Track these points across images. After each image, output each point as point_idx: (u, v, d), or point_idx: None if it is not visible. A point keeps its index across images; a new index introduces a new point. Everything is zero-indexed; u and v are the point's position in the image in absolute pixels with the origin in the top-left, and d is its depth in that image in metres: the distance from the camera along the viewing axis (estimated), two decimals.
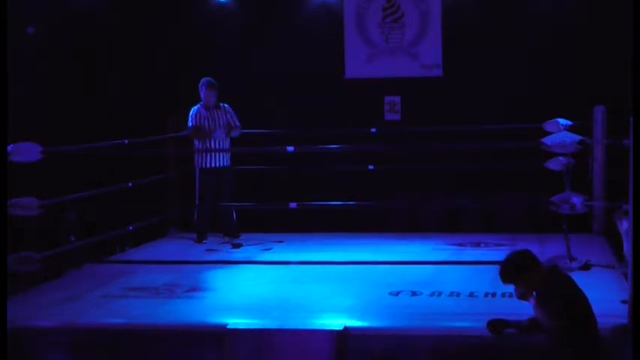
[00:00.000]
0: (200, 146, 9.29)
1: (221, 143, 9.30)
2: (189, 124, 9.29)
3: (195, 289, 7.04)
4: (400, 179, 9.70)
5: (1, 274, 5.64)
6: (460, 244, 8.84)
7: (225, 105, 9.35)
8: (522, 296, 5.23)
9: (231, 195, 9.37)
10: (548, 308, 5.06)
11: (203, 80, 9.28)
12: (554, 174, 7.64)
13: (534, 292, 5.16)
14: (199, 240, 9.30)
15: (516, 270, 5.14)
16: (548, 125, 8.43)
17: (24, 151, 6.83)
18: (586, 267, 7.26)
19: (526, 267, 5.14)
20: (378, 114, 10.18)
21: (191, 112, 9.30)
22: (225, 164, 9.33)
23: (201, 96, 9.29)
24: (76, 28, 9.75)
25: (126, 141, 8.24)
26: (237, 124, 9.35)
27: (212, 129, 9.22)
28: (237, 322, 5.89)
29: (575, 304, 5.09)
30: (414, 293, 6.69)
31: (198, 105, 9.33)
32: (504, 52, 9.87)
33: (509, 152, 8.73)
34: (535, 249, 8.24)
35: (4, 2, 6.12)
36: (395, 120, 10.19)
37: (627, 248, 5.99)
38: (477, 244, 8.80)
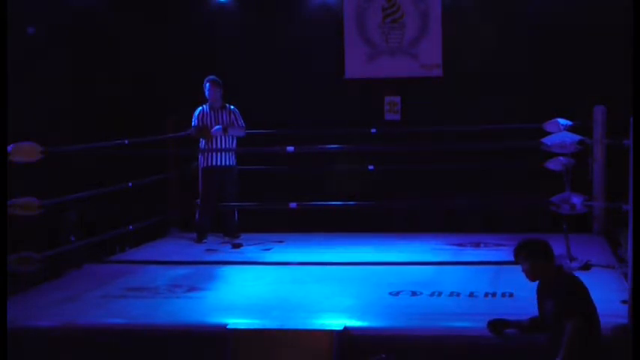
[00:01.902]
0: (204, 146, 9.29)
1: (225, 142, 9.29)
2: (193, 124, 9.30)
3: (195, 289, 7.04)
4: (400, 179, 9.70)
5: (1, 274, 5.64)
6: (460, 244, 8.84)
7: (231, 106, 9.35)
8: (528, 275, 5.26)
9: (237, 194, 9.36)
10: (560, 304, 5.07)
11: (207, 78, 9.29)
12: (554, 174, 7.64)
13: (538, 281, 5.25)
14: (199, 240, 9.30)
15: (536, 254, 5.22)
16: (548, 125, 8.44)
17: (24, 151, 6.83)
18: (586, 267, 7.26)
19: (545, 256, 5.22)
20: (378, 114, 10.18)
21: (195, 113, 9.31)
22: (227, 163, 9.32)
23: (206, 94, 9.28)
24: (76, 28, 9.74)
25: (126, 141, 8.24)
26: (242, 124, 9.34)
27: (213, 128, 9.22)
28: (237, 322, 5.89)
29: (588, 303, 5.13)
30: (414, 293, 6.69)
31: (203, 105, 9.33)
32: (504, 53, 9.87)
33: (509, 152, 8.73)
34: None
35: (4, 2, 6.12)
36: (395, 120, 10.18)
37: None
38: (477, 244, 8.80)
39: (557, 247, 7.40)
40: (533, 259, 5.22)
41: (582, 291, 5.16)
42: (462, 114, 9.77)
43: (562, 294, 5.10)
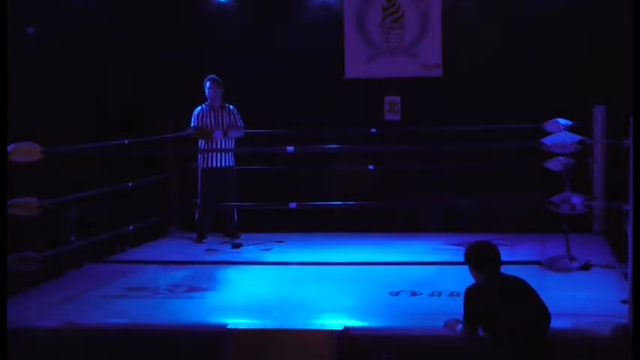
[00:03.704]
0: (203, 146, 9.29)
1: (225, 143, 9.28)
2: (192, 124, 9.29)
3: (195, 289, 7.04)
4: (400, 179, 9.69)
5: (1, 274, 5.64)
6: (460, 244, 8.82)
7: (231, 106, 9.35)
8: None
9: (237, 195, 9.36)
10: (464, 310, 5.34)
11: (208, 77, 9.29)
12: (554, 174, 7.64)
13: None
14: (199, 240, 9.31)
15: (467, 259, 5.50)
16: (548, 125, 8.43)
17: (24, 151, 6.83)
18: (586, 267, 7.26)
19: (470, 262, 5.47)
20: (378, 114, 10.18)
21: (194, 112, 9.30)
22: (227, 164, 9.32)
23: (206, 93, 9.27)
24: (76, 28, 9.74)
25: (126, 141, 8.23)
26: (240, 124, 9.34)
27: (214, 129, 9.21)
28: (237, 322, 5.89)
29: (482, 313, 5.23)
30: (414, 293, 6.69)
31: (202, 105, 9.32)
32: (504, 52, 9.87)
33: (509, 152, 8.73)
34: (536, 249, 8.32)
35: (4, 2, 6.12)
36: (395, 120, 10.19)
37: None
38: None
39: (557, 247, 7.45)
40: (467, 263, 5.49)
41: (479, 301, 5.28)
42: (462, 114, 9.77)
43: (467, 301, 5.38)
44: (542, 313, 5.27)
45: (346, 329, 5.71)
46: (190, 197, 9.55)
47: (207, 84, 9.26)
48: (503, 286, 5.32)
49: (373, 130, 9.51)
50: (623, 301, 5.87)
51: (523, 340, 5.11)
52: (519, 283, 5.35)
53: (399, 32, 10.22)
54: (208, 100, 9.30)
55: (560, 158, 7.56)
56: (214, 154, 9.24)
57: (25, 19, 8.89)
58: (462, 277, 7.21)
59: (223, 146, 9.27)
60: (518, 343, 5.10)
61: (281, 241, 9.28)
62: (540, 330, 5.21)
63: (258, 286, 7.21)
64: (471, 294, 5.35)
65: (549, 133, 7.97)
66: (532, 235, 8.88)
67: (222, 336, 5.76)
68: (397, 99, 10.22)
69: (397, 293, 6.72)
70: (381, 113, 10.21)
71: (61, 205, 8.01)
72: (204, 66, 9.88)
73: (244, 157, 9.65)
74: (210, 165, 9.28)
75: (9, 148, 6.59)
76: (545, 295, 5.79)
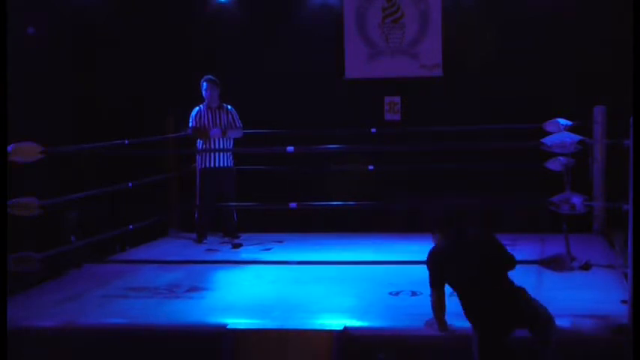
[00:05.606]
0: (202, 146, 9.29)
1: (223, 143, 9.28)
2: (190, 124, 9.30)
3: (195, 289, 7.04)
4: (400, 179, 9.69)
5: (1, 274, 5.64)
6: None
7: (228, 106, 9.35)
8: None
9: (237, 195, 9.36)
10: None
11: (204, 77, 9.29)
12: (554, 174, 7.64)
13: None
14: (199, 240, 9.31)
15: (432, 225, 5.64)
16: (548, 125, 8.43)
17: (24, 151, 6.83)
18: (586, 267, 7.25)
19: (435, 228, 5.68)
20: (378, 114, 10.18)
21: (192, 113, 9.31)
22: (226, 164, 9.32)
23: (203, 94, 9.28)
24: (76, 28, 9.75)
25: (126, 141, 8.24)
26: (239, 124, 9.34)
27: (212, 128, 9.21)
28: (237, 322, 5.89)
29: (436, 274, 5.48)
30: (414, 293, 6.69)
31: (200, 105, 9.33)
32: (504, 52, 9.87)
33: (509, 152, 8.73)
34: (536, 249, 8.31)
35: (3, 2, 6.13)
36: (395, 120, 10.19)
37: None
38: None
39: (557, 247, 7.44)
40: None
41: (439, 260, 5.55)
42: (462, 114, 9.77)
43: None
44: (505, 258, 5.41)
45: (346, 329, 5.71)
46: (190, 197, 9.55)
47: (204, 85, 9.26)
48: (460, 243, 5.51)
49: (373, 130, 9.50)
50: (623, 301, 5.87)
51: (487, 292, 5.24)
52: (478, 237, 5.55)
53: (399, 32, 10.22)
54: (205, 101, 9.31)
55: (560, 158, 7.55)
56: (212, 154, 9.24)
57: (25, 19, 8.89)
58: None
59: (222, 146, 9.27)
60: (483, 297, 5.24)
61: (281, 241, 9.28)
62: (502, 275, 5.32)
63: (258, 286, 7.21)
64: (430, 255, 5.54)
65: (549, 133, 7.97)
66: (532, 235, 8.88)
67: (222, 336, 5.76)
68: (397, 99, 10.22)
69: (397, 293, 6.72)
70: (381, 113, 10.21)
71: (61, 205, 8.02)
72: (204, 66, 9.89)
73: (244, 157, 9.64)
74: (208, 165, 9.28)
75: (9, 148, 6.58)
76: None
